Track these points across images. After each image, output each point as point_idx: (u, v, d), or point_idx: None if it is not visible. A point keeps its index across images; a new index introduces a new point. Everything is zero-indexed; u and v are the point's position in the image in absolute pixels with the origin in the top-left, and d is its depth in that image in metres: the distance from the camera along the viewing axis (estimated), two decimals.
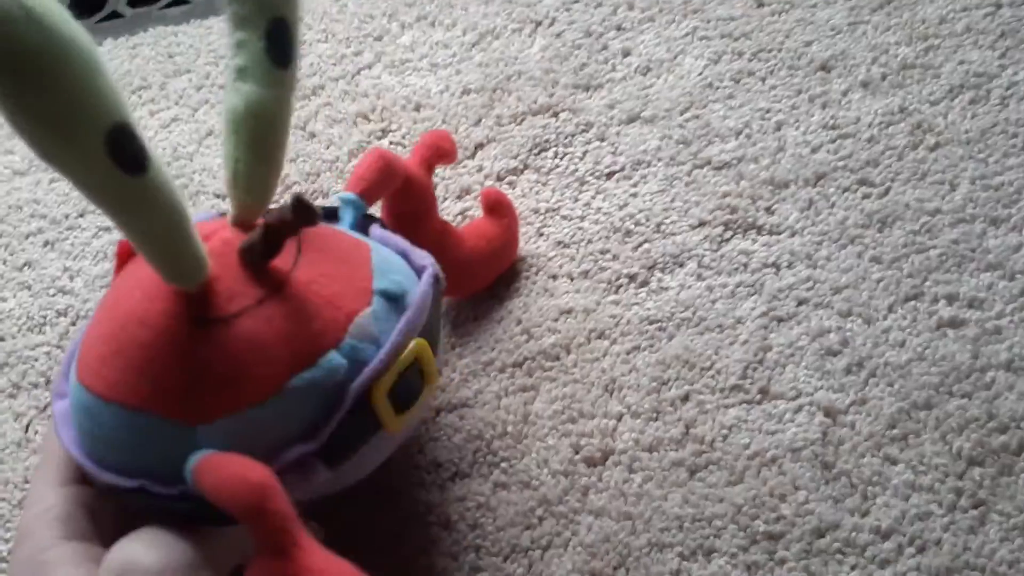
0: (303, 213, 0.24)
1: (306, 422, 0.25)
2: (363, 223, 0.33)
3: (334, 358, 0.25)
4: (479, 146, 0.47)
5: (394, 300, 0.28)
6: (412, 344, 0.27)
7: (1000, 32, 0.44)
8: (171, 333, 0.25)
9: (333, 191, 0.47)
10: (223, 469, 0.23)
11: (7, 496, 0.42)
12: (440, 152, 0.38)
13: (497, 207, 0.40)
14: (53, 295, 0.49)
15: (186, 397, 0.25)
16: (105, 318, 0.27)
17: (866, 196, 0.40)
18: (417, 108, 0.49)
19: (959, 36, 0.44)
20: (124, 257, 0.29)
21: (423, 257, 0.31)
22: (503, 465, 0.36)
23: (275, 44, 0.25)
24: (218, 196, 0.49)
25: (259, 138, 0.26)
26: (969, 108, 0.42)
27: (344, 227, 0.32)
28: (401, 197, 0.36)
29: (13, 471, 0.43)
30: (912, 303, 0.37)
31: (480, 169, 0.46)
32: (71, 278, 0.49)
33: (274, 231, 0.25)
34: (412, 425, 0.30)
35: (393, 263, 0.30)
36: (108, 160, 0.21)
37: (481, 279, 0.41)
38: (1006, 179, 0.39)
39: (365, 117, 0.50)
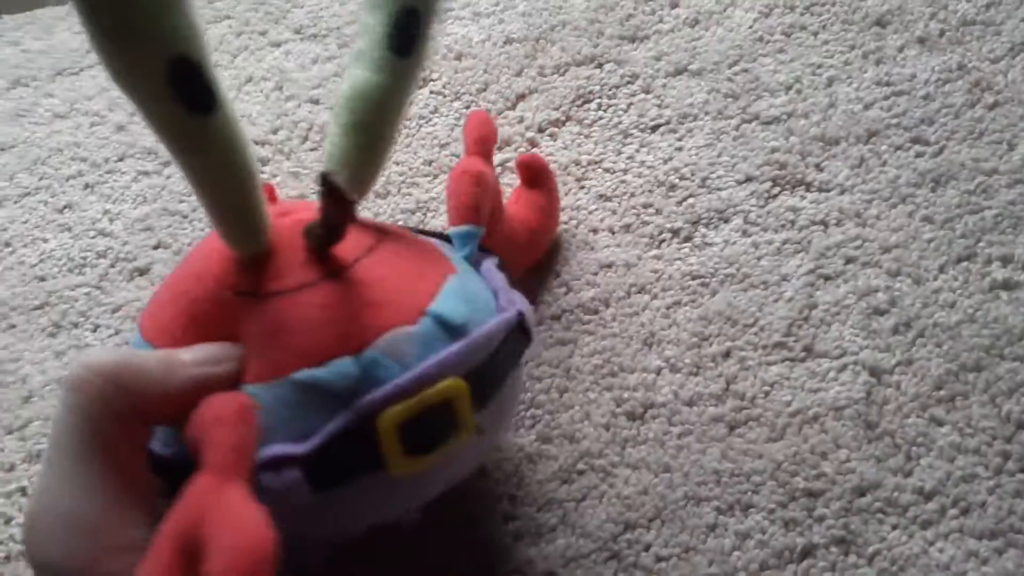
0: (330, 192, 0.23)
1: (298, 423, 0.23)
2: (478, 257, 0.30)
3: (346, 365, 0.23)
4: (520, 97, 0.46)
5: (449, 329, 0.25)
6: (447, 382, 0.23)
7: None
8: (214, 297, 0.25)
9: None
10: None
11: (47, 432, 0.43)
12: (490, 141, 0.36)
13: (539, 176, 0.38)
14: (93, 237, 0.49)
15: None
16: (175, 270, 0.27)
17: (919, 155, 0.39)
18: (459, 57, 0.48)
19: None
20: None
21: (512, 302, 0.28)
22: (546, 419, 0.36)
23: (399, 33, 0.25)
24: (257, 143, 0.49)
25: (361, 123, 0.25)
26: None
27: (458, 255, 0.30)
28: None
29: (53, 408, 0.44)
30: (964, 264, 0.36)
31: (521, 120, 0.45)
32: (111, 220, 0.49)
33: (329, 215, 0.24)
34: (431, 481, 0.26)
35: (477, 297, 0.27)
36: (169, 92, 0.21)
37: (533, 253, 0.39)
38: None
39: None
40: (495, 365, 0.25)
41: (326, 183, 0.23)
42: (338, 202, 0.23)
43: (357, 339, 0.23)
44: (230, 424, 0.21)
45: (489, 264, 0.30)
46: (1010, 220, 0.37)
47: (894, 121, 0.40)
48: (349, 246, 0.25)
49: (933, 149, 0.39)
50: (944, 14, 0.43)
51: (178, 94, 0.21)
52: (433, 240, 0.30)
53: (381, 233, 0.27)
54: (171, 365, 0.23)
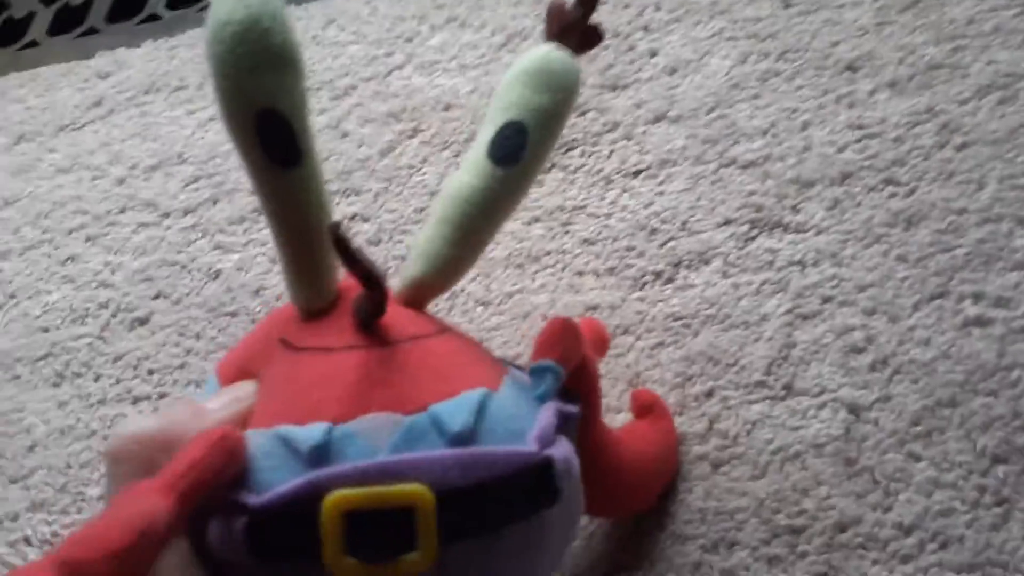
0: (338, 243, 0.22)
1: (266, 476, 0.21)
2: (555, 399, 0.26)
3: (318, 430, 0.21)
4: None
5: (443, 434, 0.22)
6: (412, 486, 0.20)
7: None
8: (265, 342, 0.25)
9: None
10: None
11: (51, 481, 0.44)
12: (601, 342, 0.36)
13: (652, 407, 0.36)
14: (95, 288, 0.51)
15: None
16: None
17: (892, 195, 0.41)
18: (447, 108, 0.50)
19: (987, 36, 0.44)
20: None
21: (547, 442, 0.23)
22: None
23: (501, 142, 0.26)
24: (253, 194, 0.50)
25: (448, 219, 0.26)
26: (997, 108, 0.42)
27: (535, 395, 0.26)
28: (572, 378, 0.28)
29: (56, 457, 0.45)
30: (938, 302, 0.37)
31: None
32: (112, 272, 0.51)
33: (364, 289, 0.23)
34: None
35: (504, 419, 0.23)
36: (256, 140, 0.22)
37: (647, 491, 0.35)
38: None
39: (396, 117, 0.51)
40: (486, 499, 0.21)
41: (332, 230, 0.22)
42: (367, 279, 0.23)
43: (344, 410, 0.22)
44: (201, 444, 0.20)
45: (556, 405, 0.25)
46: (980, 258, 0.38)
47: (867, 163, 0.42)
48: (413, 326, 0.25)
49: (905, 190, 0.41)
50: (912, 58, 0.44)
51: (263, 144, 0.22)
52: (510, 367, 0.27)
53: (451, 330, 0.27)
54: (201, 415, 0.23)
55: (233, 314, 0.47)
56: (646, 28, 0.50)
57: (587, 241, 0.43)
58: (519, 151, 0.26)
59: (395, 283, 0.26)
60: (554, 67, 0.26)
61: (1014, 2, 0.45)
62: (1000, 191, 0.39)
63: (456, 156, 0.48)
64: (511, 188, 0.26)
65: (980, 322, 0.37)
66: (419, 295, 0.27)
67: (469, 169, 0.26)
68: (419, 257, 0.26)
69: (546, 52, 0.27)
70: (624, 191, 0.45)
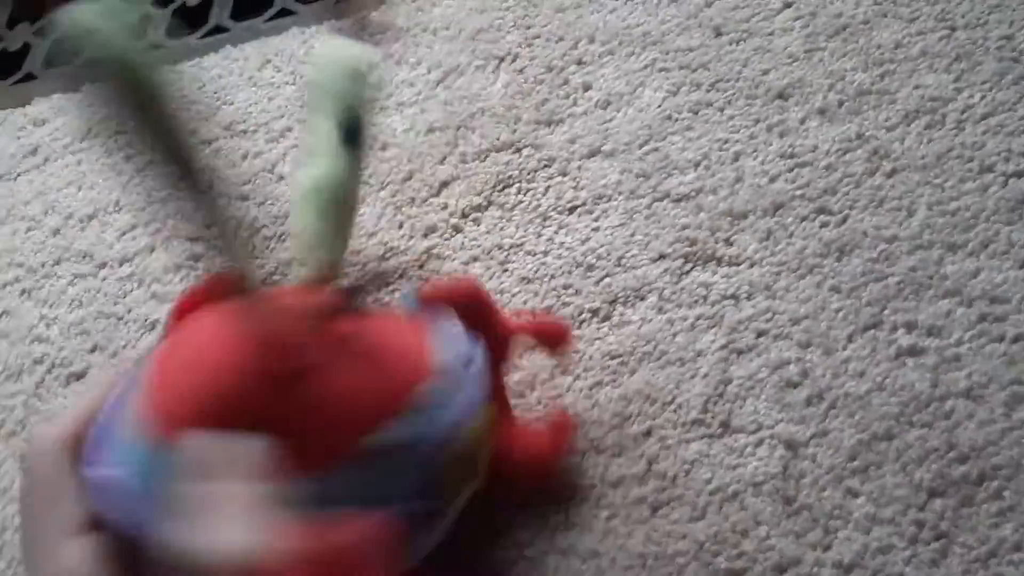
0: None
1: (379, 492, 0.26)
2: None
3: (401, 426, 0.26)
4: (444, 184, 0.47)
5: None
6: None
7: (955, 55, 0.44)
8: (245, 381, 0.25)
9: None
10: None
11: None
12: (557, 336, 0.37)
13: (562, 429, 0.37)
14: (30, 343, 0.49)
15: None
16: (180, 369, 0.26)
17: (824, 225, 0.41)
18: (383, 147, 0.50)
19: (914, 60, 0.44)
20: (184, 312, 0.31)
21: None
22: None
23: (348, 129, 0.31)
24: (190, 240, 0.49)
25: (328, 208, 0.30)
26: (925, 133, 0.42)
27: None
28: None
29: None
30: (871, 332, 0.37)
31: (445, 207, 0.46)
32: (47, 326, 0.50)
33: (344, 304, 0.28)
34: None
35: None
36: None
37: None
38: (962, 204, 0.39)
39: None
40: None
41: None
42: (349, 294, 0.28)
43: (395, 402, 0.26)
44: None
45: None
46: (912, 286, 0.38)
47: (799, 192, 0.42)
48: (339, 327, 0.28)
49: (837, 219, 0.40)
50: (842, 85, 0.45)
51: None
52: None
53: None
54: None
55: None
56: (580, 62, 0.50)
57: (525, 280, 0.43)
58: (362, 132, 0.31)
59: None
60: (369, 62, 0.32)
61: (940, 25, 0.45)
62: (930, 217, 0.39)
63: (393, 196, 0.47)
64: (362, 166, 0.31)
65: (913, 352, 0.36)
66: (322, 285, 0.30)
67: (329, 158, 0.30)
68: (317, 250, 0.30)
69: (360, 51, 0.32)
70: (560, 228, 0.44)
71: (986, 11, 0.45)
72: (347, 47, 0.32)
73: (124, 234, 0.51)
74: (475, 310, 0.33)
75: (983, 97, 0.42)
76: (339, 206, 0.30)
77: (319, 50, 0.32)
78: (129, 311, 0.48)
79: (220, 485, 0.22)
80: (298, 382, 0.25)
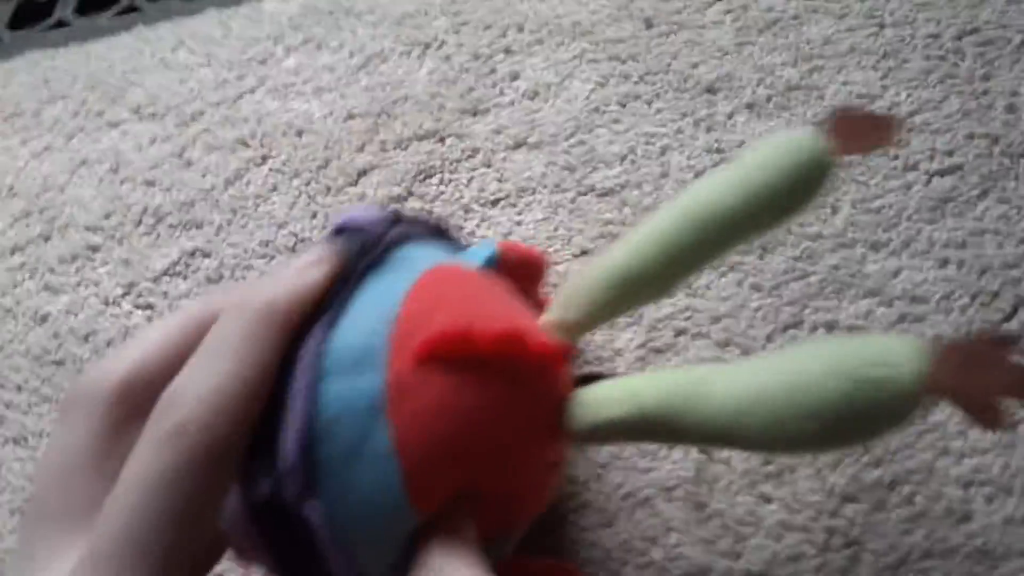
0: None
1: None
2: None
3: None
4: (362, 173, 0.45)
5: None
6: None
7: (883, 52, 0.43)
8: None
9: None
10: None
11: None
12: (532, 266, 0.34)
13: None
14: None
15: None
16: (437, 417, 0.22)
17: None
18: (299, 134, 0.47)
19: (843, 56, 0.43)
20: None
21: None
22: None
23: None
24: (88, 228, 0.46)
25: None
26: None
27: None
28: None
29: None
30: (791, 331, 0.36)
31: (363, 197, 0.44)
32: None
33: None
34: None
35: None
36: None
37: None
38: (886, 202, 0.39)
39: (244, 143, 0.47)
40: None
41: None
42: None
43: None
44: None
45: None
46: (834, 285, 0.37)
47: None
48: None
49: None
50: (772, 79, 0.44)
51: None
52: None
53: None
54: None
55: (59, 363, 0.43)
56: (508, 50, 0.48)
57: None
58: None
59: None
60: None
61: (869, 22, 0.45)
62: (854, 215, 0.39)
63: (307, 184, 0.45)
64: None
65: None
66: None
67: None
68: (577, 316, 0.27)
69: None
70: (483, 221, 0.42)
71: (915, 9, 0.44)
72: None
73: (17, 221, 0.48)
74: (531, 283, 0.31)
75: (909, 95, 0.41)
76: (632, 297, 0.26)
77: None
78: (18, 303, 0.45)
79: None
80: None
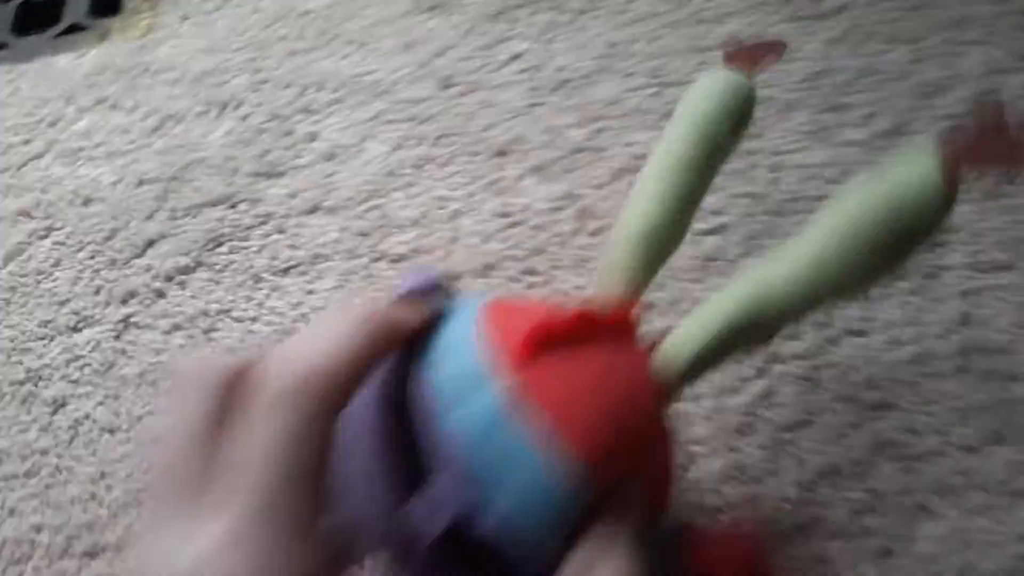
0: None
1: None
2: None
3: None
4: (150, 243, 0.43)
5: None
6: None
7: (664, 112, 0.45)
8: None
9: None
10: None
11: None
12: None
13: None
14: None
15: None
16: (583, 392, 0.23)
17: (531, 286, 0.40)
18: (86, 203, 0.45)
19: (626, 117, 0.45)
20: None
21: None
22: None
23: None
24: None
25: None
26: (630, 191, 0.43)
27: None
28: None
29: None
30: None
31: (149, 269, 0.43)
32: None
33: None
34: None
35: None
36: None
37: None
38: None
39: (27, 214, 0.45)
40: None
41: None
42: None
43: None
44: None
45: None
46: None
47: (509, 253, 0.41)
48: None
49: (542, 279, 0.40)
50: (560, 141, 0.45)
51: None
52: None
53: None
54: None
55: None
56: (307, 110, 0.48)
57: (230, 350, 0.40)
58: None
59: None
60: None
61: (652, 81, 0.46)
62: None
63: (92, 258, 0.43)
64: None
65: None
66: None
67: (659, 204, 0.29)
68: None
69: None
70: (273, 290, 0.42)
71: (695, 67, 0.47)
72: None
73: None
74: None
75: None
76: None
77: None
78: None
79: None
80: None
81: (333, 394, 0.19)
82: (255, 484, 0.18)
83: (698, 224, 0.41)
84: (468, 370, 0.23)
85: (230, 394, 0.19)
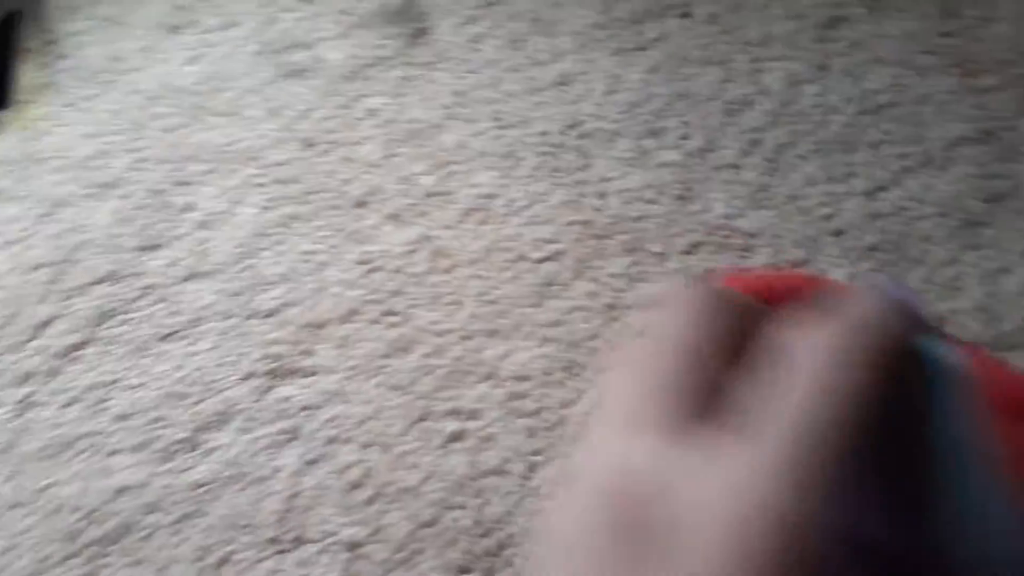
0: None
1: None
2: None
3: None
4: (44, 324, 0.47)
5: None
6: None
7: (504, 152, 0.50)
8: None
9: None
10: None
11: None
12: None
13: None
14: None
15: None
16: None
17: (392, 325, 0.44)
18: None
19: (472, 160, 0.49)
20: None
21: None
22: None
23: None
24: None
25: None
26: (477, 229, 0.47)
27: None
28: None
29: None
30: (423, 423, 0.41)
31: (45, 349, 0.46)
32: None
33: None
34: None
35: None
36: None
37: None
38: (503, 292, 0.45)
39: None
40: None
41: None
42: None
43: None
44: None
45: None
46: (457, 374, 0.42)
47: (370, 297, 0.45)
48: None
49: (401, 318, 0.44)
50: (413, 189, 0.49)
51: None
52: None
53: None
54: None
55: None
56: (183, 182, 0.51)
57: (121, 417, 0.44)
58: None
59: None
60: None
61: (494, 125, 0.51)
62: (477, 308, 0.44)
63: None
64: None
65: (457, 437, 0.41)
66: None
67: None
68: None
69: None
70: (158, 357, 0.45)
71: (530, 108, 0.51)
72: None
73: None
74: None
75: (523, 190, 0.48)
76: None
77: None
78: None
79: None
80: None
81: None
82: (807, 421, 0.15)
83: (533, 253, 0.46)
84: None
85: (742, 328, 0.17)
